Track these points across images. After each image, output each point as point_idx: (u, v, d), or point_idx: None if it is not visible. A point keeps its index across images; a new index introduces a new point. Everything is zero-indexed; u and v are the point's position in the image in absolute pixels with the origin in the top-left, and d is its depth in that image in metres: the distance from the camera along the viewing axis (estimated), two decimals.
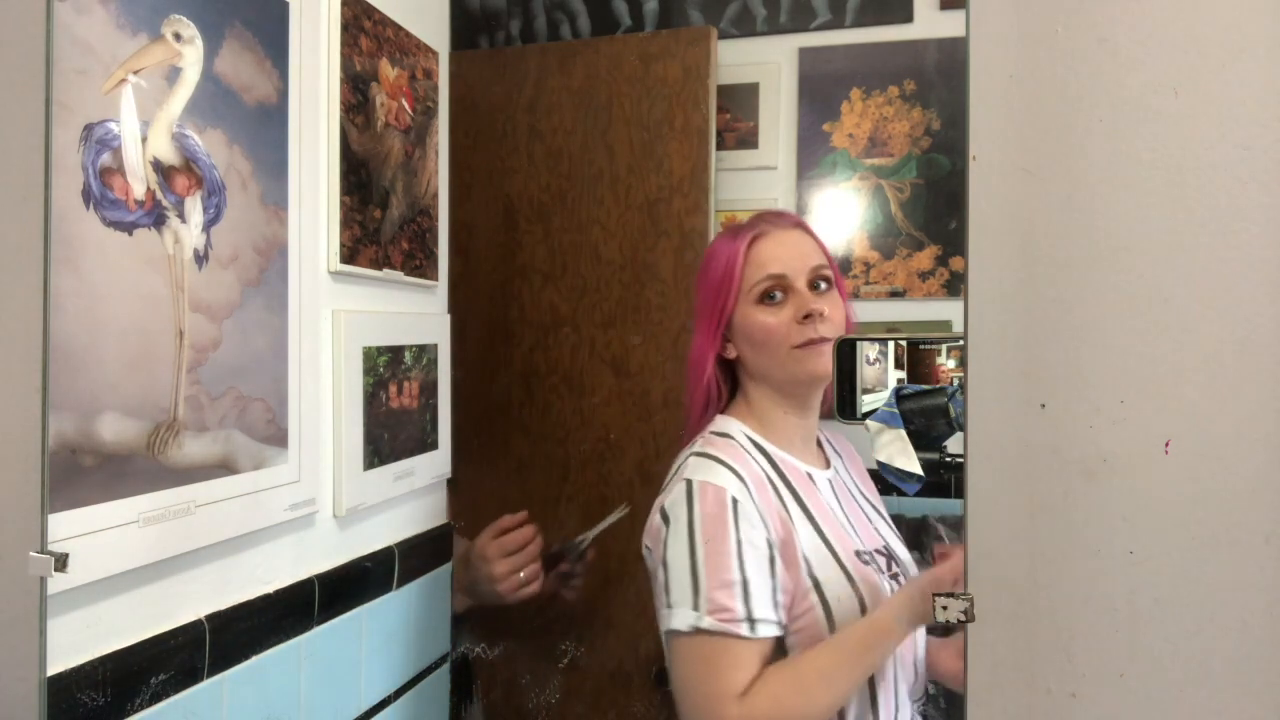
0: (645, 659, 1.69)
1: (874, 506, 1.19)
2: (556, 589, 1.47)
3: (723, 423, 1.12)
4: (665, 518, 1.01)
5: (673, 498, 1.02)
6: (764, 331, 1.08)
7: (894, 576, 1.09)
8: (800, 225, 1.15)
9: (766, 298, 1.08)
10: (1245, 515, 0.92)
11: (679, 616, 0.96)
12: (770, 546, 1.00)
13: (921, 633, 1.10)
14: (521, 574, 1.34)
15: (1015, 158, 0.97)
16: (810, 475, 1.11)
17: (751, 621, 0.95)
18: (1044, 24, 0.96)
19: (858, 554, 1.06)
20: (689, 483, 1.01)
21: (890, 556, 1.11)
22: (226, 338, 0.86)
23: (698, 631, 0.95)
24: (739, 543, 0.97)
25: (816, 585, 1.01)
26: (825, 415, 1.17)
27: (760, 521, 1.00)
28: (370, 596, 1.10)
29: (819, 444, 1.18)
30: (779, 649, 1.01)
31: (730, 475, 1.02)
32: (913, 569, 1.14)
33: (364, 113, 1.09)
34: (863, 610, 1.03)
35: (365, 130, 1.09)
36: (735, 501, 0.99)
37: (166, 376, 0.79)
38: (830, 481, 1.13)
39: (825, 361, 1.08)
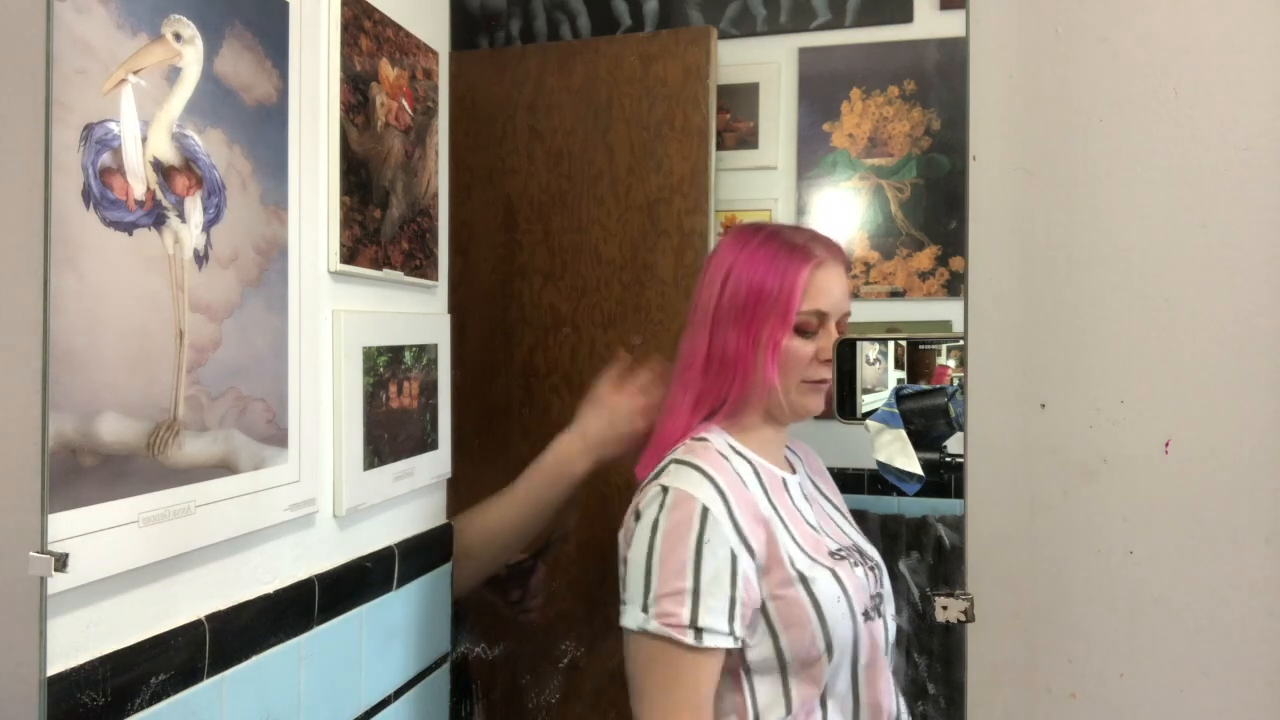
0: None
1: (836, 507, 1.20)
2: (512, 615, 1.47)
3: (703, 428, 1.12)
4: (636, 516, 1.03)
5: (647, 499, 1.03)
6: (793, 360, 1.08)
7: (870, 569, 1.10)
8: (846, 263, 1.14)
9: (805, 328, 1.08)
10: (1245, 515, 0.93)
11: (630, 615, 0.98)
12: (734, 560, 0.98)
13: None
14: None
15: (1015, 158, 0.97)
16: (784, 480, 1.12)
17: (697, 630, 0.95)
18: (1044, 24, 0.96)
19: (832, 553, 1.07)
20: (664, 489, 1.03)
21: (860, 552, 1.12)
22: (226, 338, 0.86)
23: (643, 633, 0.97)
24: (698, 552, 0.97)
25: (803, 579, 1.01)
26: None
27: (733, 532, 0.99)
28: (370, 596, 1.10)
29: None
30: (741, 661, 1.01)
31: (708, 486, 1.01)
32: (881, 564, 1.15)
33: (364, 113, 1.09)
34: (849, 603, 1.03)
35: (365, 130, 1.09)
36: (705, 511, 0.99)
37: (166, 376, 0.79)
38: (799, 485, 1.15)
39: (822, 401, 1.12)
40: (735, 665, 1.01)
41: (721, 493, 1.01)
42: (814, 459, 1.28)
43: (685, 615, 0.95)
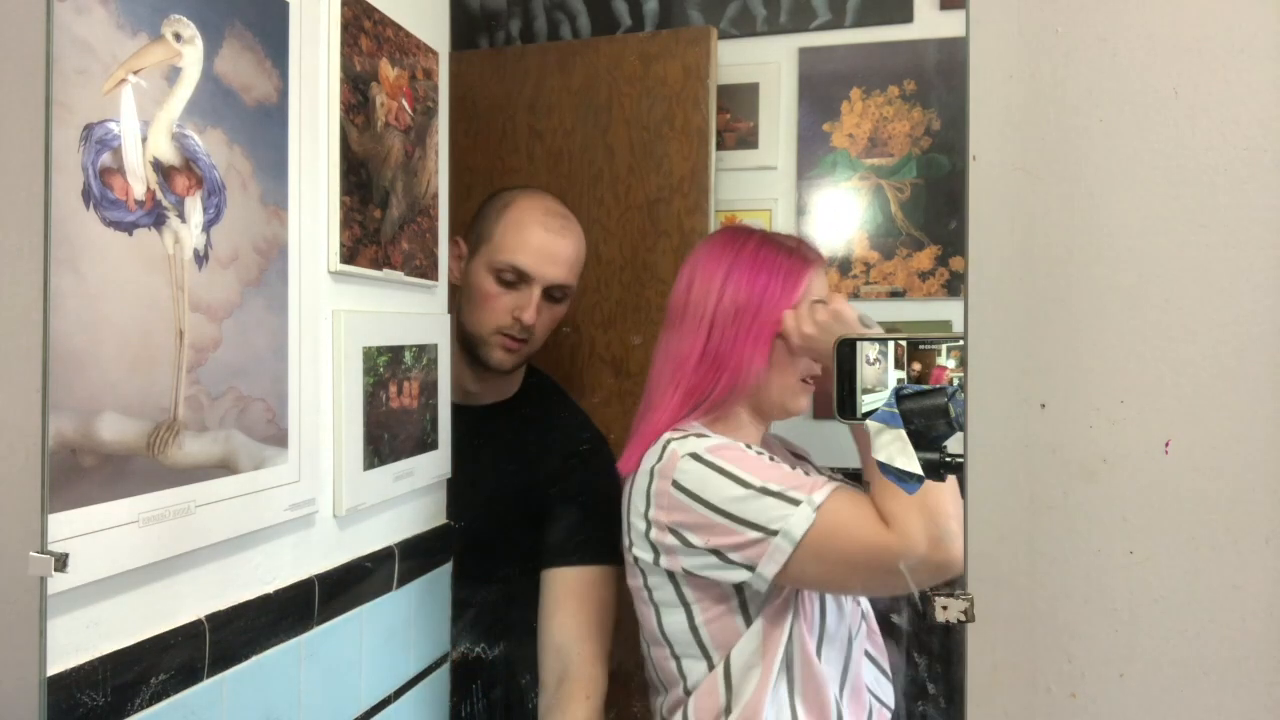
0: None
1: None
2: None
3: (683, 423, 1.13)
4: (692, 495, 1.03)
5: (684, 474, 1.03)
6: (791, 361, 1.13)
7: None
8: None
9: None
10: (1245, 515, 0.92)
11: (796, 523, 0.97)
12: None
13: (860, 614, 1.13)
14: None
15: (1015, 158, 0.97)
16: None
17: (830, 478, 1.02)
18: (1044, 24, 0.96)
19: None
20: (693, 454, 1.03)
21: None
22: (226, 338, 0.86)
23: (817, 512, 0.97)
24: (770, 460, 1.04)
25: None
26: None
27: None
28: (370, 596, 1.10)
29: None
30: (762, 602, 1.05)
31: (716, 437, 1.08)
32: None
33: (364, 113, 1.09)
34: None
35: (365, 130, 1.09)
36: (734, 443, 1.06)
37: (166, 376, 0.79)
38: None
39: (809, 400, 1.18)
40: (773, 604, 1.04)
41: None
42: (782, 450, 1.29)
43: (820, 477, 1.01)
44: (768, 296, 1.11)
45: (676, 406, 1.13)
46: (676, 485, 1.02)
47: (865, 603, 1.15)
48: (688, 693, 1.08)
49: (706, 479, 1.01)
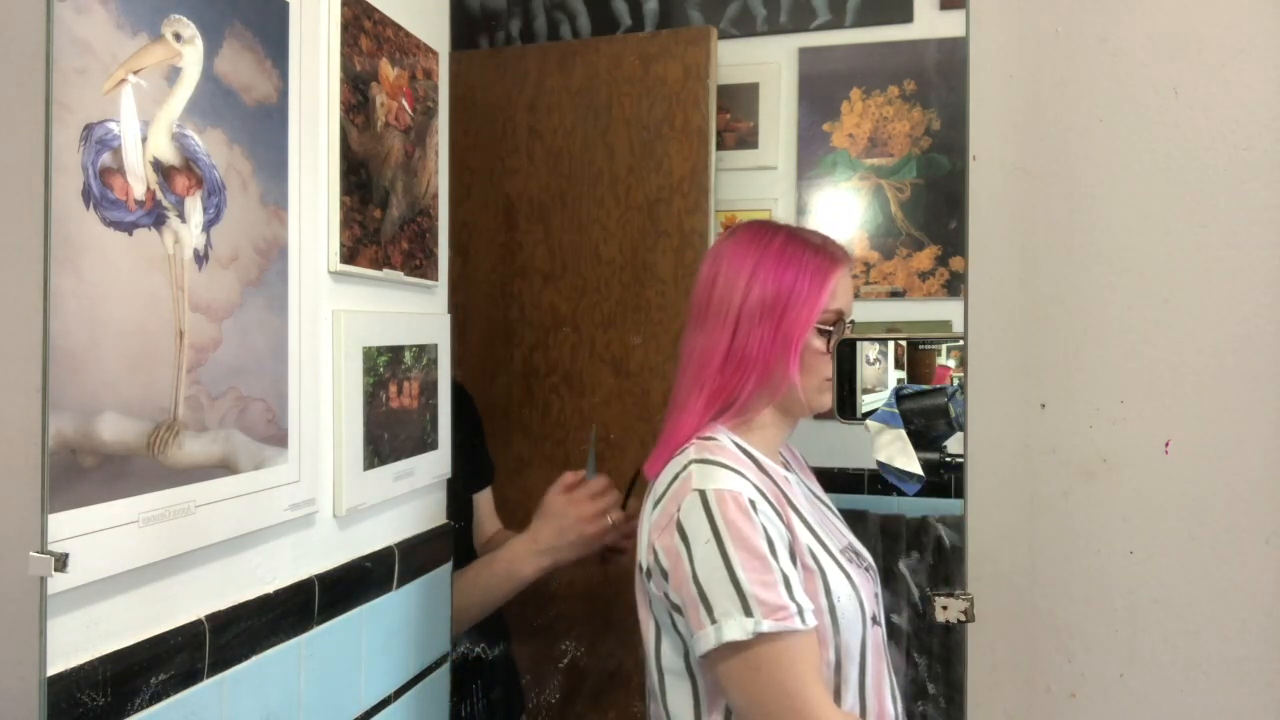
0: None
1: (826, 505, 1.20)
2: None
3: (709, 428, 1.11)
4: (683, 535, 0.99)
5: (687, 511, 1.00)
6: (818, 360, 1.10)
7: (866, 570, 1.10)
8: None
9: (827, 329, 1.10)
10: (1245, 515, 0.93)
11: (732, 628, 0.93)
12: (789, 542, 1.00)
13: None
14: (609, 518, 1.34)
15: (1015, 158, 0.97)
16: (787, 478, 1.12)
17: (801, 612, 0.95)
18: (1044, 24, 0.96)
19: (840, 551, 1.07)
20: (702, 493, 0.99)
21: (857, 553, 1.12)
22: (226, 338, 0.86)
23: (759, 637, 0.93)
24: (768, 539, 0.97)
25: (822, 572, 1.01)
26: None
27: (776, 517, 1.01)
28: (370, 596, 1.10)
29: None
30: None
31: (739, 479, 1.01)
32: (874, 566, 1.15)
33: (364, 113, 1.09)
34: (860, 603, 1.03)
35: (365, 130, 1.09)
36: (753, 503, 0.99)
37: (166, 376, 0.79)
38: (798, 484, 1.15)
39: (833, 397, 1.16)
40: None
41: (750, 482, 1.02)
42: (799, 459, 1.28)
43: (789, 602, 0.95)
44: (795, 294, 1.07)
45: (701, 409, 1.10)
46: (678, 524, 1.01)
47: (880, 612, 1.13)
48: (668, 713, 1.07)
49: (699, 528, 0.98)
